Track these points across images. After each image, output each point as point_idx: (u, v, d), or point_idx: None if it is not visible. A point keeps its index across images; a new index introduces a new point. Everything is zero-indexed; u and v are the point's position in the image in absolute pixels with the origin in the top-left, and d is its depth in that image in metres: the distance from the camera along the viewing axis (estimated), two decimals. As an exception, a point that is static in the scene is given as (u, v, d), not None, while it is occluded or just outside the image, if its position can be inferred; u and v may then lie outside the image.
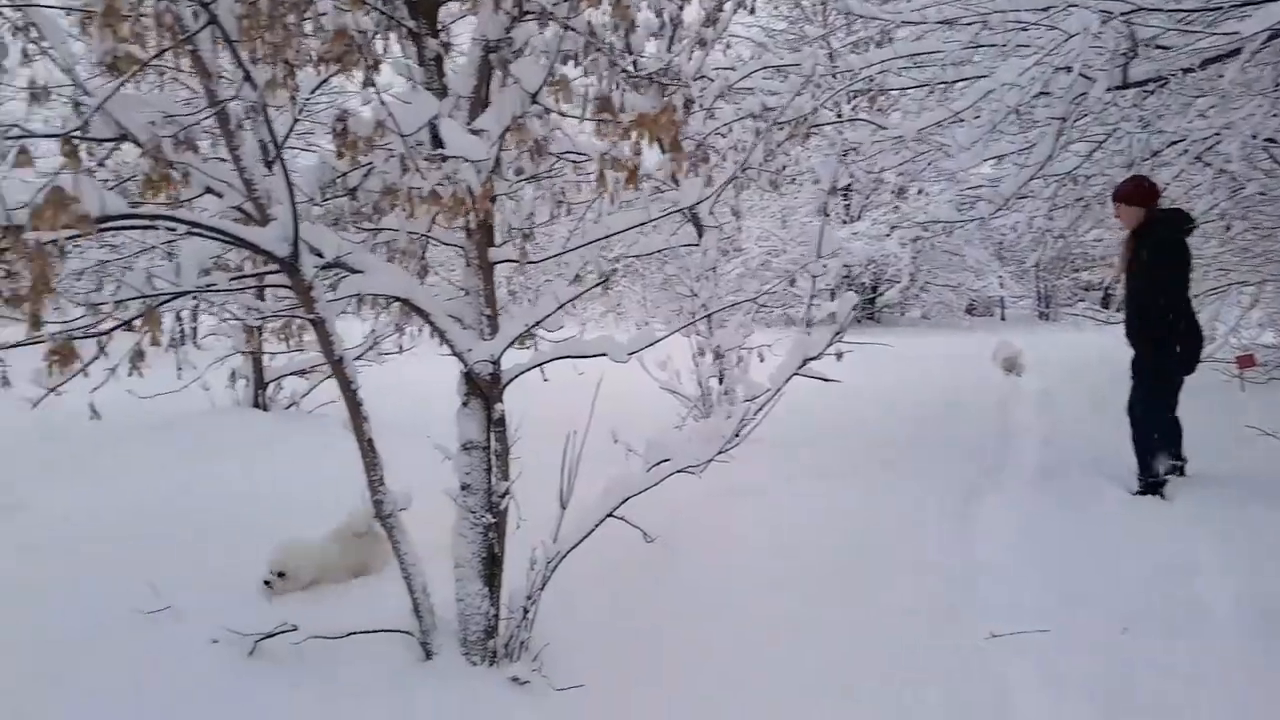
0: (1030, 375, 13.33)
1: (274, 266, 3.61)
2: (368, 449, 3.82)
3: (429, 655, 3.96)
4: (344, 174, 4.35)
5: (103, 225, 2.68)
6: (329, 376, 9.75)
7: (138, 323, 3.75)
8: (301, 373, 9.79)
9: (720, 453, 3.82)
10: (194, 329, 16.50)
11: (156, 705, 3.64)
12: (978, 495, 6.76)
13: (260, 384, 9.66)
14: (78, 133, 2.57)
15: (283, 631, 4.06)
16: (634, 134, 2.99)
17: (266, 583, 4.63)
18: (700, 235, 4.71)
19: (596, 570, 4.53)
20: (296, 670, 3.87)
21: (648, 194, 5.50)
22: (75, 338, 3.62)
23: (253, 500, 6.43)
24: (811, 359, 3.78)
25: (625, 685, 3.85)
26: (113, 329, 3.40)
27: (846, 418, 9.41)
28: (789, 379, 3.80)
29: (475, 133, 3.12)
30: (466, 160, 2.99)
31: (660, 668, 4.05)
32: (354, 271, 3.78)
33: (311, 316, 3.56)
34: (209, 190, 3.61)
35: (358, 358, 9.47)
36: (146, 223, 3.00)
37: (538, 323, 3.67)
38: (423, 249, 4.69)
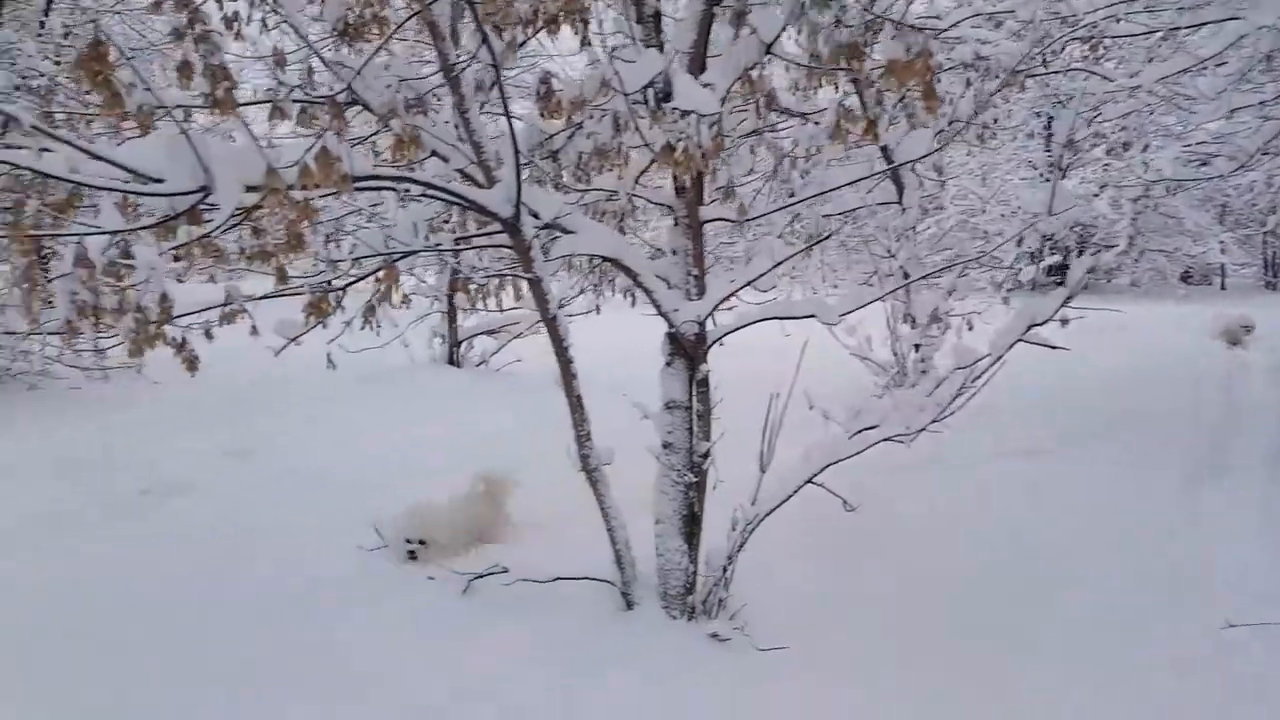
0: (1257, 348, 12.08)
1: (495, 227, 3.78)
2: (576, 404, 3.96)
3: (629, 605, 4.10)
4: (549, 136, 4.48)
5: (356, 186, 2.88)
6: (516, 337, 10.25)
7: (366, 279, 4.07)
8: (491, 332, 10.32)
9: (933, 422, 3.69)
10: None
11: (389, 630, 3.96)
12: (1205, 476, 6.23)
13: (454, 342, 10.26)
14: (341, 96, 2.75)
15: (493, 573, 4.34)
16: (879, 83, 2.90)
17: (411, 554, 4.68)
18: (901, 192, 4.54)
19: (793, 536, 4.52)
20: (507, 609, 4.13)
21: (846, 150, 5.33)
22: (323, 291, 3.97)
23: (449, 448, 6.85)
24: (1037, 325, 3.57)
25: (830, 652, 3.82)
26: (353, 282, 3.67)
27: (1056, 389, 8.88)
28: (1012, 345, 3.61)
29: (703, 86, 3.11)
30: (698, 114, 2.99)
31: (867, 639, 3.98)
32: (567, 232, 3.90)
33: (529, 275, 3.70)
34: (434, 154, 3.82)
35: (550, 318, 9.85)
36: (388, 184, 3.20)
37: (749, 282, 3.66)
38: (624, 210, 4.78)
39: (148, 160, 2.76)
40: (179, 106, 2.77)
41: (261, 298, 3.66)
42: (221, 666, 3.60)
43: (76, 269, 3.12)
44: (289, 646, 3.77)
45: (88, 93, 4.00)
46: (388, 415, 8.19)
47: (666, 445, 4.02)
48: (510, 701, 3.42)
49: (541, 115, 3.96)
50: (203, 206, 2.84)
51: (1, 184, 2.85)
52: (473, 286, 6.19)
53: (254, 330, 3.96)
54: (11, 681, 3.50)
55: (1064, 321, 3.79)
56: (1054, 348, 3.66)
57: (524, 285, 4.33)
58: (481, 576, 4.35)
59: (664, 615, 4.05)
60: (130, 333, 2.79)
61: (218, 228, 2.75)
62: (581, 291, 7.40)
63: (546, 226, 3.76)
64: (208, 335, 3.81)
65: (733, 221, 3.91)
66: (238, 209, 2.75)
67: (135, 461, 6.54)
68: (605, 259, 3.96)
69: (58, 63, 8.81)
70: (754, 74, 3.15)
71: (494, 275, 4.92)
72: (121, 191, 2.69)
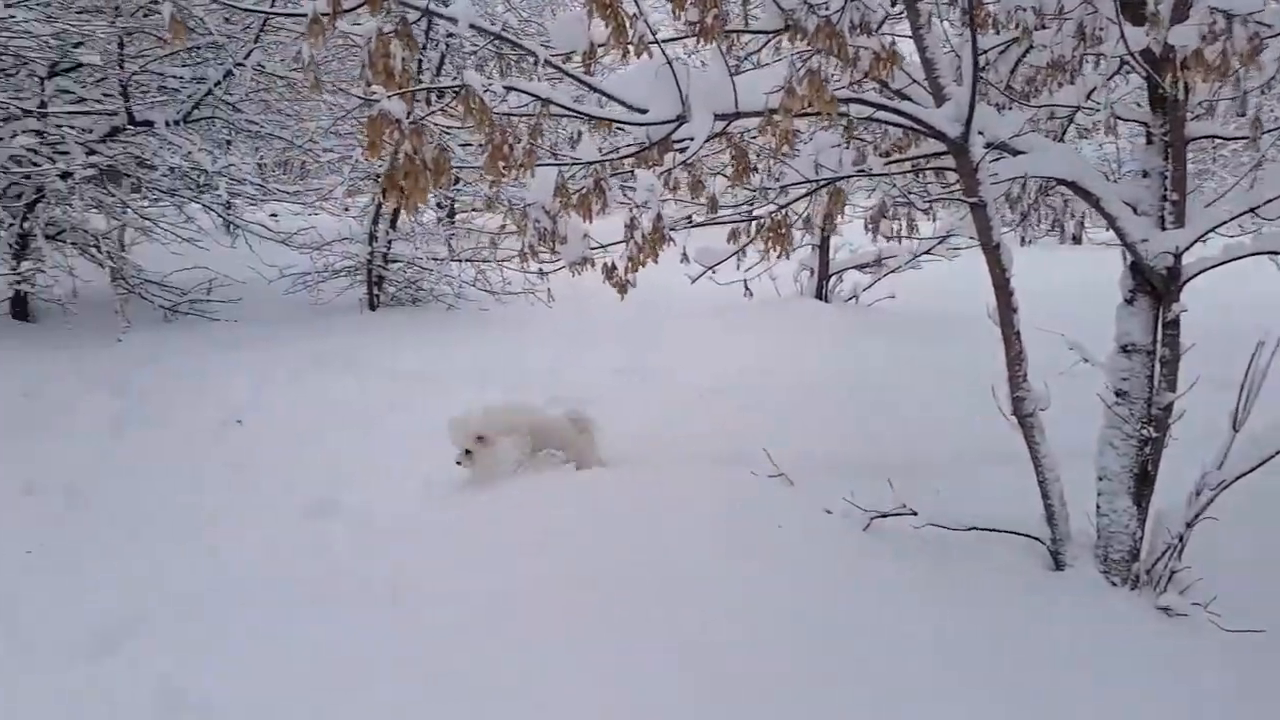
0: None
1: (931, 149, 3.71)
2: (1013, 342, 3.81)
3: (1059, 566, 3.92)
4: (985, 51, 4.25)
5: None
6: (891, 271, 10.07)
7: (788, 209, 4.18)
8: (862, 267, 10.20)
9: None
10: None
11: (768, 559, 4.06)
12: None
13: (824, 276, 10.31)
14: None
15: (901, 514, 4.32)
16: None
17: (467, 451, 4.65)
18: None
19: (1240, 501, 4.03)
20: (912, 555, 4.03)
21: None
22: (745, 220, 4.17)
23: (825, 381, 6.96)
24: None
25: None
26: (786, 205, 3.79)
27: None
28: None
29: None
30: (1228, 14, 2.69)
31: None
32: (1016, 153, 3.71)
33: (974, 200, 3.59)
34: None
35: (926, 252, 9.57)
36: (862, 106, 3.25)
37: (1251, 210, 3.25)
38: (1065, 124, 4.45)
39: (635, 92, 3.05)
40: (671, 40, 3.00)
41: (695, 225, 3.94)
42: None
43: (554, 197, 3.56)
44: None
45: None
46: (761, 345, 8.49)
47: (1120, 394, 3.75)
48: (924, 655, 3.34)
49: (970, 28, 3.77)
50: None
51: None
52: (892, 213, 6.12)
53: (684, 258, 4.27)
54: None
55: None
56: None
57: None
58: (886, 516, 4.36)
59: (1102, 581, 3.83)
60: (633, 247, 3.11)
61: (692, 154, 2.97)
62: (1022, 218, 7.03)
63: (995, 147, 3.61)
64: (627, 265, 4.16)
65: (1230, 140, 3.47)
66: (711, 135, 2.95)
67: (540, 372, 7.42)
68: (1060, 182, 3.72)
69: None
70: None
71: (937, 199, 4.81)
72: (613, 121, 2.99)
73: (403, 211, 10.34)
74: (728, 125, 3.25)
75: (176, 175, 9.27)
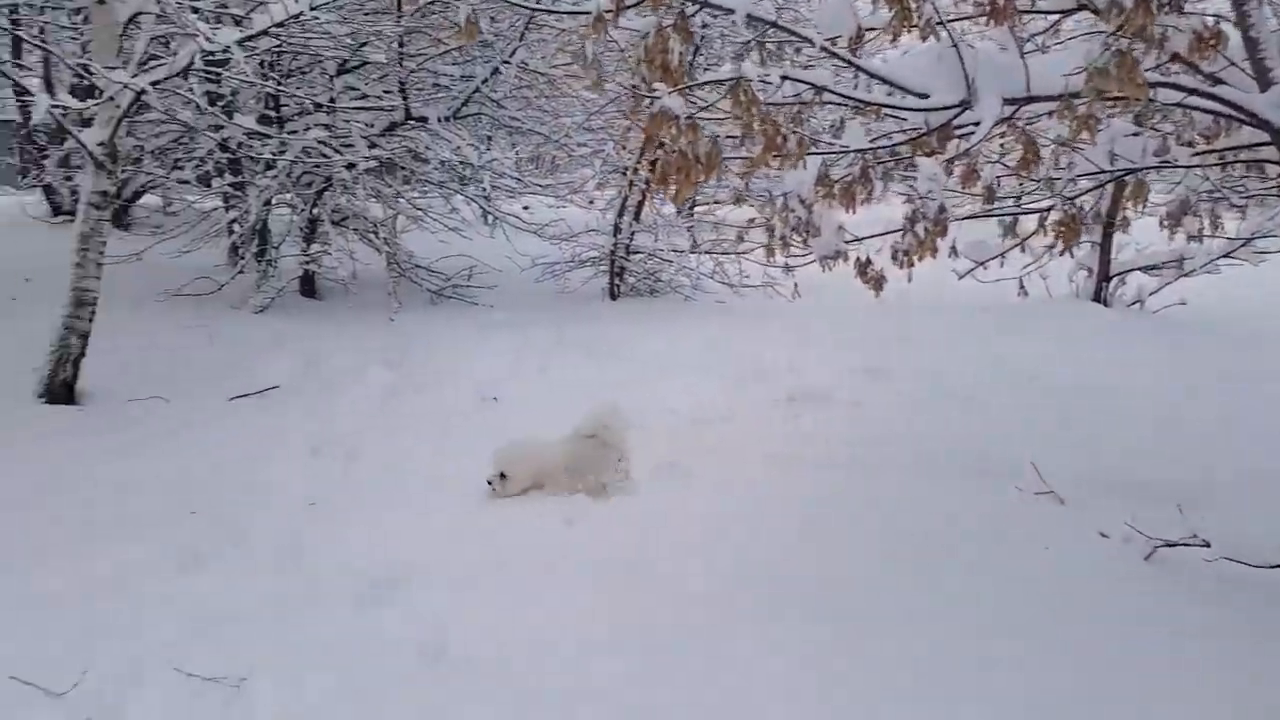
0: None
1: (1256, 138, 3.36)
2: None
3: None
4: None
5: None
6: (1185, 274, 9.18)
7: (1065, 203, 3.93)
8: (1150, 268, 9.39)
9: None
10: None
11: (1052, 583, 3.85)
12: None
13: (1104, 277, 9.55)
14: None
15: (1191, 544, 3.95)
16: None
17: (489, 483, 4.66)
18: None
19: None
20: (1206, 594, 3.65)
21: None
22: (1030, 212, 3.98)
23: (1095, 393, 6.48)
24: None
25: None
26: (1077, 197, 3.57)
27: None
28: None
29: None
30: None
31: None
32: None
33: (1305, 195, 3.22)
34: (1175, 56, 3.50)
35: (1228, 254, 8.67)
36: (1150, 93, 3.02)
37: None
38: None
39: (912, 75, 2.99)
40: (960, 18, 2.93)
41: (974, 216, 3.79)
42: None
43: (815, 186, 3.56)
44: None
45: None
46: (1027, 348, 8.02)
47: None
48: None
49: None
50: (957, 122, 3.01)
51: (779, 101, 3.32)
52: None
53: (954, 251, 4.13)
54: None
55: None
56: None
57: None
58: (1173, 545, 4.00)
59: None
60: (909, 241, 3.08)
61: (979, 140, 2.87)
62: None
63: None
64: (896, 260, 4.06)
65: None
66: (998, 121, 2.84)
67: (776, 367, 7.43)
68: None
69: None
70: None
71: (1249, 195, 4.39)
72: (892, 107, 2.95)
73: (646, 204, 10.70)
74: (1016, 110, 3.11)
75: (445, 168, 10.09)
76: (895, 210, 4.09)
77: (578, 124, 10.69)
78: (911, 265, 3.34)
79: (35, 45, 10.33)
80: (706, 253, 10.70)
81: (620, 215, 10.57)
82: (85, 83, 7.66)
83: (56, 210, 12.99)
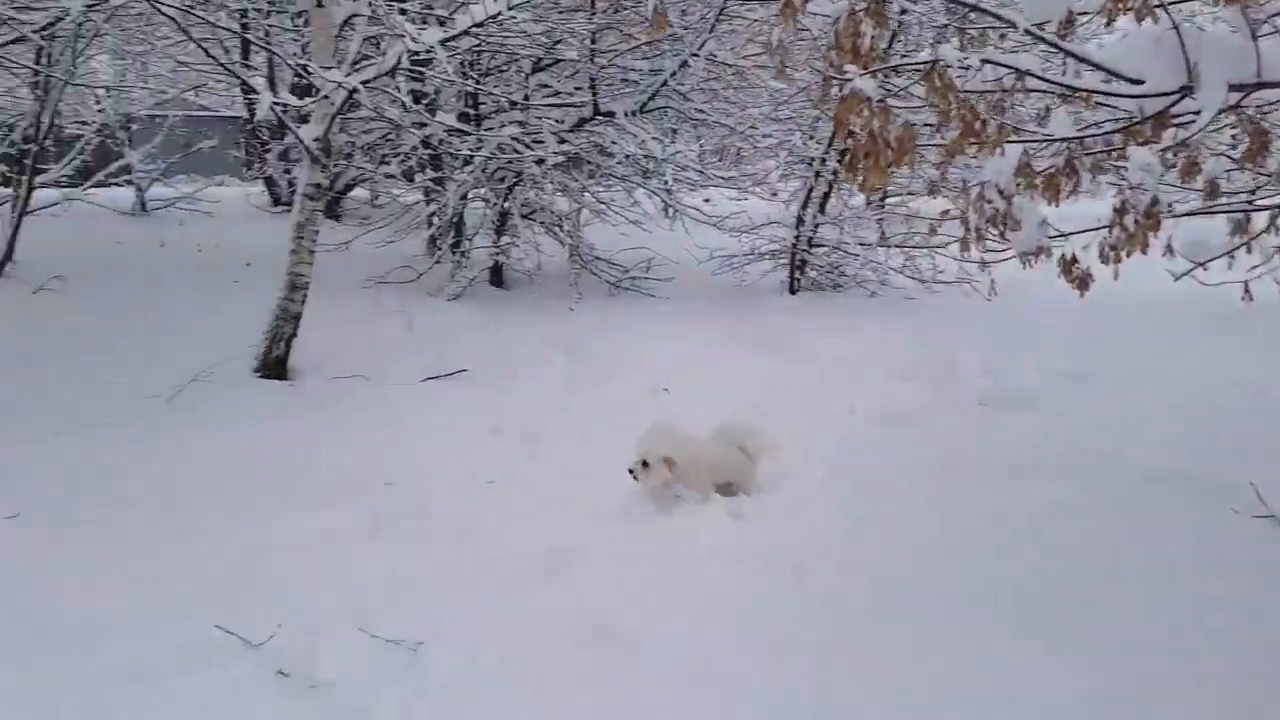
0: None
1: None
2: None
3: None
4: None
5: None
6: None
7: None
8: None
9: None
10: None
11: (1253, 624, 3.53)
12: None
13: (1348, 282, 8.57)
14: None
15: None
16: None
17: (630, 471, 4.44)
18: None
19: None
20: None
21: None
22: (1248, 210, 3.62)
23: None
24: None
25: None
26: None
27: None
28: None
29: None
30: None
31: None
32: None
33: None
34: None
35: None
36: None
37: None
38: None
39: (1126, 59, 2.78)
40: (1175, 1, 2.71)
41: (1187, 214, 3.49)
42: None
43: (1015, 176, 3.38)
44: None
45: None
46: (1257, 358, 7.34)
47: None
48: None
49: None
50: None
51: (985, 88, 3.17)
52: None
53: (1169, 249, 3.81)
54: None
55: None
56: None
57: None
58: None
59: None
60: (1118, 234, 2.89)
61: (1200, 129, 2.65)
62: None
63: None
64: (1103, 256, 3.78)
65: None
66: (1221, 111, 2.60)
67: (970, 368, 7.12)
68: None
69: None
70: None
71: None
72: (1102, 94, 2.76)
73: (832, 196, 10.48)
74: (1244, 98, 2.84)
75: (629, 162, 10.28)
76: (1104, 206, 3.82)
77: (764, 114, 10.61)
78: (1119, 261, 3.11)
79: (261, 47, 11.32)
80: (897, 246, 10.37)
81: (804, 207, 10.41)
82: (304, 82, 8.31)
83: (276, 200, 14.22)
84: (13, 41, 6.68)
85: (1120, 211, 2.87)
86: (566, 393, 6.65)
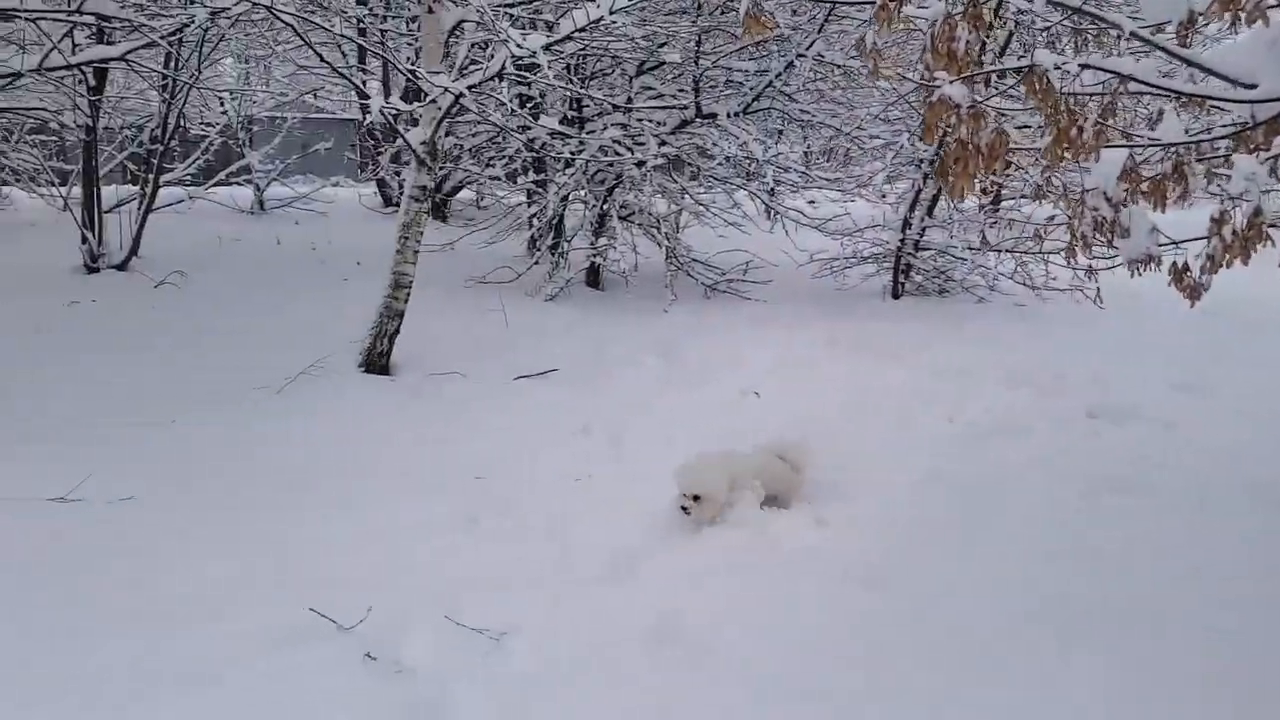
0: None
1: None
2: None
3: None
4: None
5: None
6: None
7: None
8: None
9: None
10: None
11: None
12: None
13: None
14: None
15: None
16: None
17: (684, 508, 4.33)
18: None
19: None
20: None
21: None
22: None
23: None
24: None
25: None
26: None
27: None
28: None
29: None
30: None
31: None
32: None
33: None
34: None
35: None
36: None
37: None
38: None
39: (1240, 64, 2.68)
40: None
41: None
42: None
43: (1119, 180, 3.28)
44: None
45: None
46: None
47: None
48: None
49: None
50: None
51: (1095, 91, 3.09)
52: None
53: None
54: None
55: None
56: None
57: None
58: None
59: None
60: (1215, 245, 2.79)
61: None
62: None
63: None
64: (1202, 268, 3.62)
65: None
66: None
67: (1080, 379, 6.90)
68: None
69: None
70: None
71: None
72: (1209, 98, 2.67)
73: (942, 198, 10.24)
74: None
75: (730, 164, 10.27)
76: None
77: (873, 115, 10.45)
78: (1214, 272, 2.99)
79: (375, 53, 11.77)
80: (1008, 251, 10.06)
81: (912, 209, 10.20)
82: (414, 86, 8.63)
83: (387, 201, 14.74)
84: (143, 46, 7.12)
85: (1219, 221, 2.76)
86: (657, 394, 6.69)
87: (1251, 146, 2.80)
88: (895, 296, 10.34)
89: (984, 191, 10.87)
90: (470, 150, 11.44)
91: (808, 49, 9.06)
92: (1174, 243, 3.71)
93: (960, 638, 3.38)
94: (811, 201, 11.44)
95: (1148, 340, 8.08)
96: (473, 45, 7.13)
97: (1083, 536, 4.30)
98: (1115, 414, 6.11)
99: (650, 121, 9.70)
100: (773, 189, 10.66)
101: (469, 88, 6.45)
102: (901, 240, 10.16)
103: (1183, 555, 4.07)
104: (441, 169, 11.36)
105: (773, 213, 11.00)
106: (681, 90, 9.76)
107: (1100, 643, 3.35)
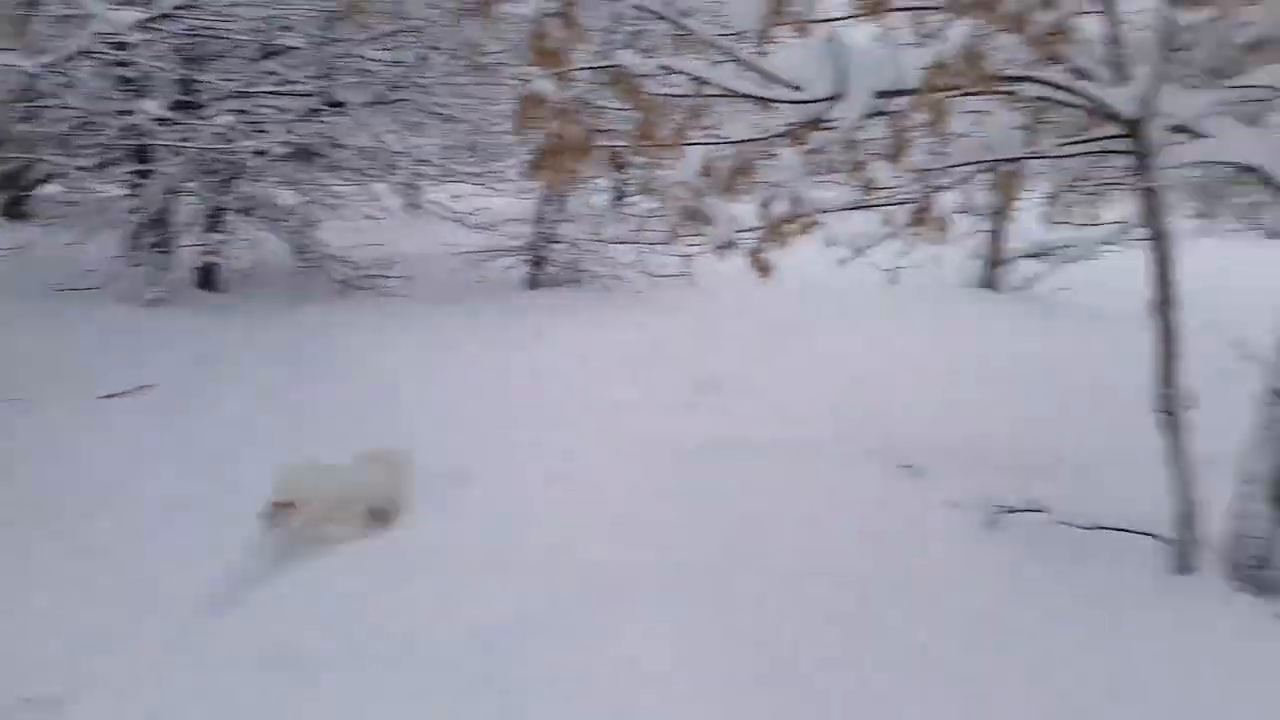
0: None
1: (1111, 130, 3.65)
2: (1168, 337, 3.77)
3: (1185, 570, 3.87)
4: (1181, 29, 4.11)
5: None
6: (1067, 261, 9.93)
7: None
8: (1037, 255, 10.20)
9: None
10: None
11: (887, 550, 4.25)
12: None
13: (994, 264, 10.35)
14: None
15: (1029, 510, 4.36)
16: None
17: (269, 516, 3.99)
18: None
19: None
20: (1035, 551, 4.14)
21: None
22: (897, 204, 4.22)
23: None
24: None
25: None
26: (932, 190, 3.83)
27: None
28: None
29: None
30: None
31: None
32: (1198, 136, 3.62)
33: (1149, 184, 3.53)
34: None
35: (1103, 241, 9.35)
36: (1008, 86, 3.27)
37: None
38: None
39: (792, 70, 3.20)
40: (833, 19, 3.15)
41: (846, 208, 4.02)
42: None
43: (700, 175, 3.76)
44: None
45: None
46: (917, 335, 8.64)
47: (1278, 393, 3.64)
48: (1040, 653, 3.41)
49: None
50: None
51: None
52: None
53: (827, 242, 4.38)
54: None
55: None
56: None
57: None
58: (1014, 511, 4.40)
59: (1224, 585, 3.79)
60: (765, 233, 3.28)
61: (844, 132, 3.09)
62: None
63: (1178, 129, 3.54)
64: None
65: None
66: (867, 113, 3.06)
67: (683, 357, 7.85)
68: (1246, 169, 3.60)
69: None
70: None
71: (1098, 184, 4.71)
72: (766, 100, 3.16)
73: (574, 194, 10.80)
74: (888, 103, 3.34)
75: (365, 155, 10.01)
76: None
77: (502, 112, 10.67)
78: (765, 254, 3.55)
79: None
80: (623, 243, 10.82)
81: (547, 204, 10.66)
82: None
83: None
84: None
85: (765, 208, 3.28)
86: (265, 410, 5.99)
87: (799, 143, 3.34)
88: (532, 287, 10.76)
89: (614, 188, 11.62)
90: (56, 138, 10.06)
91: (442, 42, 9.08)
92: (749, 229, 4.31)
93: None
94: (456, 196, 11.46)
95: (737, 316, 9.29)
96: (58, 19, 6.37)
97: (684, 495, 4.88)
98: (716, 386, 6.93)
99: (275, 109, 9.19)
100: (411, 182, 10.54)
101: (44, 66, 5.73)
102: (535, 233, 10.59)
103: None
104: (15, 158, 9.95)
105: (412, 205, 10.91)
106: (310, 77, 9.34)
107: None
